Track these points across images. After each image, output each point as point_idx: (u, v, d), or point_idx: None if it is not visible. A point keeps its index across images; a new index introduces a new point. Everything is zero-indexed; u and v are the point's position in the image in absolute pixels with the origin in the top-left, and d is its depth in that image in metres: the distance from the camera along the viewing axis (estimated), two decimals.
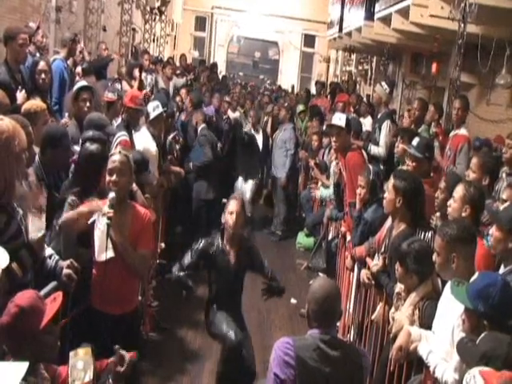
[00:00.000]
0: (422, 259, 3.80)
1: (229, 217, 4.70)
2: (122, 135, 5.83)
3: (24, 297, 2.64)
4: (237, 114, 11.23)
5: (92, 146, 4.28)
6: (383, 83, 8.37)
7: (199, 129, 8.48)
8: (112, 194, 3.87)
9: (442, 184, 4.67)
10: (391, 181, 4.51)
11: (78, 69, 8.06)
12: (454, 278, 3.22)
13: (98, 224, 3.91)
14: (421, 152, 5.23)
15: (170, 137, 7.75)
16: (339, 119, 6.12)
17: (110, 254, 3.88)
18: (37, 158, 4.38)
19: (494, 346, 2.56)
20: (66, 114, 6.20)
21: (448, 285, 3.45)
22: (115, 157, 4.01)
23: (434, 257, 3.50)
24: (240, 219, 4.72)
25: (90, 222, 3.90)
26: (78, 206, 4.01)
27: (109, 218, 3.79)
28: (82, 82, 5.53)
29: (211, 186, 8.28)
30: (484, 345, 2.62)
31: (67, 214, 3.91)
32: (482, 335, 2.73)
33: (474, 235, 3.52)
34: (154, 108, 6.69)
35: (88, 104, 5.60)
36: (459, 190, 4.16)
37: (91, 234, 3.96)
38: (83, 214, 3.88)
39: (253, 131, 10.03)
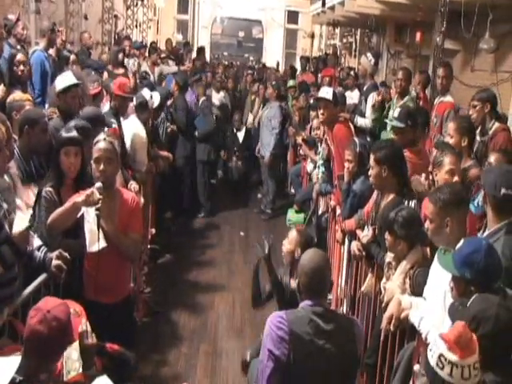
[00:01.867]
0: (410, 224, 3.84)
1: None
2: (110, 123, 5.80)
3: (61, 309, 2.53)
4: (221, 95, 11.17)
5: (67, 134, 4.19)
6: (368, 54, 8.34)
7: (200, 100, 9.49)
8: (98, 184, 3.80)
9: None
10: (371, 155, 4.52)
11: (73, 57, 8.01)
12: (441, 247, 3.24)
13: (87, 216, 3.87)
14: (403, 122, 5.21)
15: (169, 130, 8.06)
16: (326, 93, 6.15)
17: (103, 244, 3.85)
18: (16, 148, 4.33)
19: (484, 308, 2.56)
20: (47, 106, 6.14)
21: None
22: (101, 144, 3.95)
23: (427, 224, 3.50)
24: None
25: (78, 215, 3.85)
26: (54, 198, 3.99)
27: (97, 209, 3.75)
28: (72, 79, 5.42)
29: (211, 149, 9.39)
30: (474, 307, 2.62)
31: (53, 215, 3.82)
32: (473, 298, 2.73)
33: (466, 198, 3.55)
34: (152, 97, 6.78)
35: (77, 100, 5.51)
36: (452, 125, 4.60)
37: (80, 225, 3.91)
38: (69, 210, 3.80)
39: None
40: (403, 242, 3.86)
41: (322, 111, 6.12)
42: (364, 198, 5.09)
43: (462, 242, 3.02)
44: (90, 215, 3.84)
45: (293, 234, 4.39)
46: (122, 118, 6.24)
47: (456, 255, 2.94)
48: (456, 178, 4.09)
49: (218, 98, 10.94)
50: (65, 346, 2.57)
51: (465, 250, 2.91)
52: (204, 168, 9.40)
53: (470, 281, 2.84)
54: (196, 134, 9.12)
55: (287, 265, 4.40)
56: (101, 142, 3.98)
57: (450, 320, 2.86)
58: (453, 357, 2.30)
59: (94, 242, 3.84)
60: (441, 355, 2.32)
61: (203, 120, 9.23)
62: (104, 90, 6.65)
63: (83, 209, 3.83)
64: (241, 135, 10.72)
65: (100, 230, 3.80)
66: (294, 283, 3.93)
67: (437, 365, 2.33)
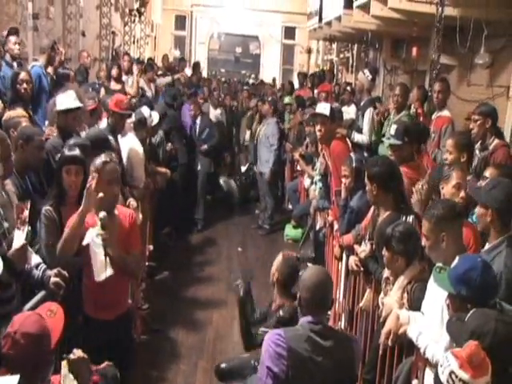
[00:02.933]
0: (407, 240, 3.86)
1: None
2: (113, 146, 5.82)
3: (28, 322, 2.51)
4: (218, 112, 11.22)
5: (70, 152, 4.22)
6: (366, 71, 8.41)
7: (199, 118, 9.72)
8: (103, 214, 3.77)
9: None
10: (365, 171, 4.56)
11: (72, 73, 8.06)
12: (436, 266, 3.27)
13: (93, 246, 3.86)
14: (399, 138, 5.24)
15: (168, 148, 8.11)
16: (324, 108, 6.18)
17: (110, 272, 3.87)
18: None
19: (483, 323, 2.58)
20: (46, 123, 6.17)
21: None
22: (111, 166, 3.98)
23: (424, 241, 3.53)
24: None
25: (84, 243, 3.85)
26: (54, 217, 4.01)
27: (104, 239, 3.77)
28: (75, 101, 5.46)
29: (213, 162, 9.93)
30: (472, 322, 2.63)
31: (61, 243, 3.79)
32: (471, 312, 2.74)
33: (461, 212, 3.57)
34: (151, 115, 6.88)
35: (77, 122, 5.56)
36: (451, 141, 4.71)
37: (85, 252, 3.91)
38: (74, 227, 3.78)
39: None
40: (401, 257, 3.88)
41: (319, 127, 6.14)
42: (361, 213, 5.11)
43: (457, 259, 3.04)
44: (96, 244, 3.84)
45: (278, 258, 4.22)
46: (119, 135, 6.26)
47: (452, 273, 2.96)
48: (462, 194, 4.12)
49: (214, 114, 10.99)
50: (47, 351, 2.55)
51: (461, 268, 2.93)
52: (205, 180, 9.70)
53: (466, 298, 2.86)
54: (205, 147, 9.56)
55: (272, 285, 4.25)
56: (110, 163, 3.99)
57: (448, 335, 2.88)
58: (464, 375, 2.30)
59: (102, 271, 3.86)
60: (452, 372, 2.32)
61: (209, 133, 9.67)
62: (102, 107, 6.67)
63: (89, 238, 3.84)
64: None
65: (107, 259, 3.82)
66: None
67: (447, 382, 2.33)
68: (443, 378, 2.34)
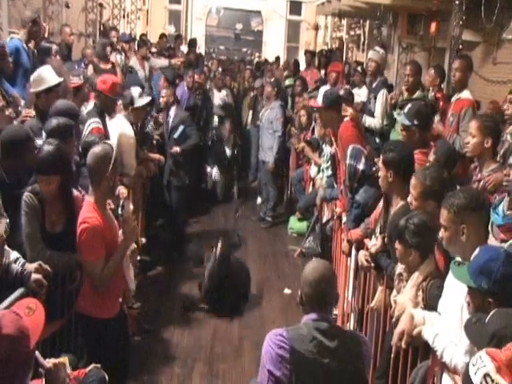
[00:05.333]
0: (422, 232, 3.83)
1: None
2: (93, 122, 5.80)
3: (4, 322, 2.40)
4: (223, 94, 11.17)
5: (48, 147, 4.14)
6: (377, 48, 8.35)
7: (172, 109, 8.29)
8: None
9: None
10: (380, 156, 4.53)
11: (55, 47, 7.99)
12: (454, 260, 3.24)
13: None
14: (409, 119, 5.22)
15: (151, 123, 7.92)
16: (319, 96, 6.35)
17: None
18: None
19: (505, 324, 2.56)
20: (23, 102, 6.14)
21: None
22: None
23: (441, 233, 3.50)
24: None
25: None
26: (35, 203, 4.03)
27: None
28: (55, 78, 5.42)
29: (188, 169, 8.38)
30: (493, 323, 2.61)
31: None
32: (491, 313, 2.73)
33: (484, 202, 3.51)
34: (141, 95, 6.74)
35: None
36: (474, 124, 4.60)
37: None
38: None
39: None
40: (415, 251, 3.85)
41: (318, 115, 6.28)
42: (368, 207, 5.14)
43: (477, 250, 3.03)
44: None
45: None
46: (107, 117, 6.23)
47: (471, 264, 2.95)
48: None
49: (220, 96, 10.96)
50: (25, 354, 2.47)
51: (481, 259, 2.92)
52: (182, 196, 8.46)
53: (487, 292, 2.85)
54: (177, 149, 8.04)
55: None
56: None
57: (467, 337, 2.86)
58: (502, 381, 2.24)
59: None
60: (486, 375, 2.26)
61: (184, 133, 8.18)
62: (90, 86, 6.62)
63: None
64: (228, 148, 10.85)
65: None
66: None
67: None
68: (476, 379, 2.29)
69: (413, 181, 4.13)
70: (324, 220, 7.28)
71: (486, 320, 2.68)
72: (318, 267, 3.18)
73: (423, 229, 3.85)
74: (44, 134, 4.75)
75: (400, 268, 4.03)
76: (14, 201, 4.09)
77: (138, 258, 6.78)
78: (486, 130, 4.71)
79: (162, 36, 14.88)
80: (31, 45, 7.63)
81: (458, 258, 3.31)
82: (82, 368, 3.44)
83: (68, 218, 4.12)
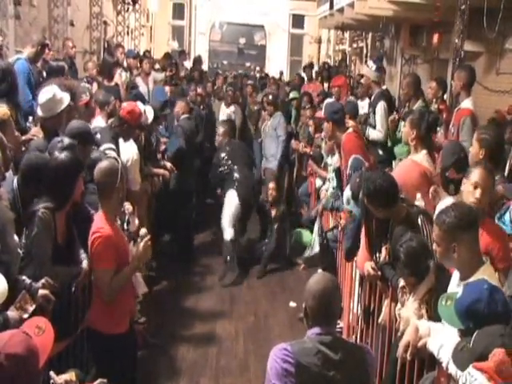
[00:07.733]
0: (413, 262, 3.94)
1: None
2: (108, 148, 5.81)
3: (13, 341, 2.42)
4: (231, 110, 11.20)
5: (61, 155, 4.21)
6: (369, 62, 8.37)
7: (180, 118, 8.61)
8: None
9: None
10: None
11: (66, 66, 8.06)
12: (441, 296, 3.28)
13: None
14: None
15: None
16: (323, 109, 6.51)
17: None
18: (15, 183, 4.32)
19: (489, 342, 2.62)
20: (31, 119, 6.19)
21: (456, 272, 3.51)
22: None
23: (434, 246, 3.54)
24: None
25: None
26: (50, 219, 4.02)
27: None
28: (66, 99, 5.48)
29: (187, 177, 8.37)
30: (479, 345, 2.68)
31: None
32: (474, 335, 2.80)
33: (474, 220, 3.49)
34: (146, 111, 6.83)
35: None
36: (474, 135, 4.75)
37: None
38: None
39: None
40: (410, 277, 3.98)
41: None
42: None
43: (461, 290, 3.10)
44: None
45: None
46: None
47: (458, 307, 3.02)
48: (478, 194, 4.04)
49: (227, 112, 10.98)
50: (33, 373, 2.48)
51: (466, 301, 2.99)
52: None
53: (474, 329, 2.90)
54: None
55: None
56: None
57: (455, 366, 2.90)
58: None
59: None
60: None
61: (175, 141, 8.41)
62: (96, 104, 6.64)
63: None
64: None
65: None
66: None
67: None
68: None
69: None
70: (329, 227, 7.23)
71: (471, 343, 2.76)
72: (321, 280, 3.18)
73: (413, 257, 3.96)
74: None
75: (403, 281, 4.06)
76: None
77: (143, 274, 6.82)
78: (481, 141, 4.74)
79: (167, 55, 14.58)
80: (39, 64, 7.69)
81: (445, 295, 3.33)
82: (88, 383, 3.45)
83: (68, 227, 4.23)
